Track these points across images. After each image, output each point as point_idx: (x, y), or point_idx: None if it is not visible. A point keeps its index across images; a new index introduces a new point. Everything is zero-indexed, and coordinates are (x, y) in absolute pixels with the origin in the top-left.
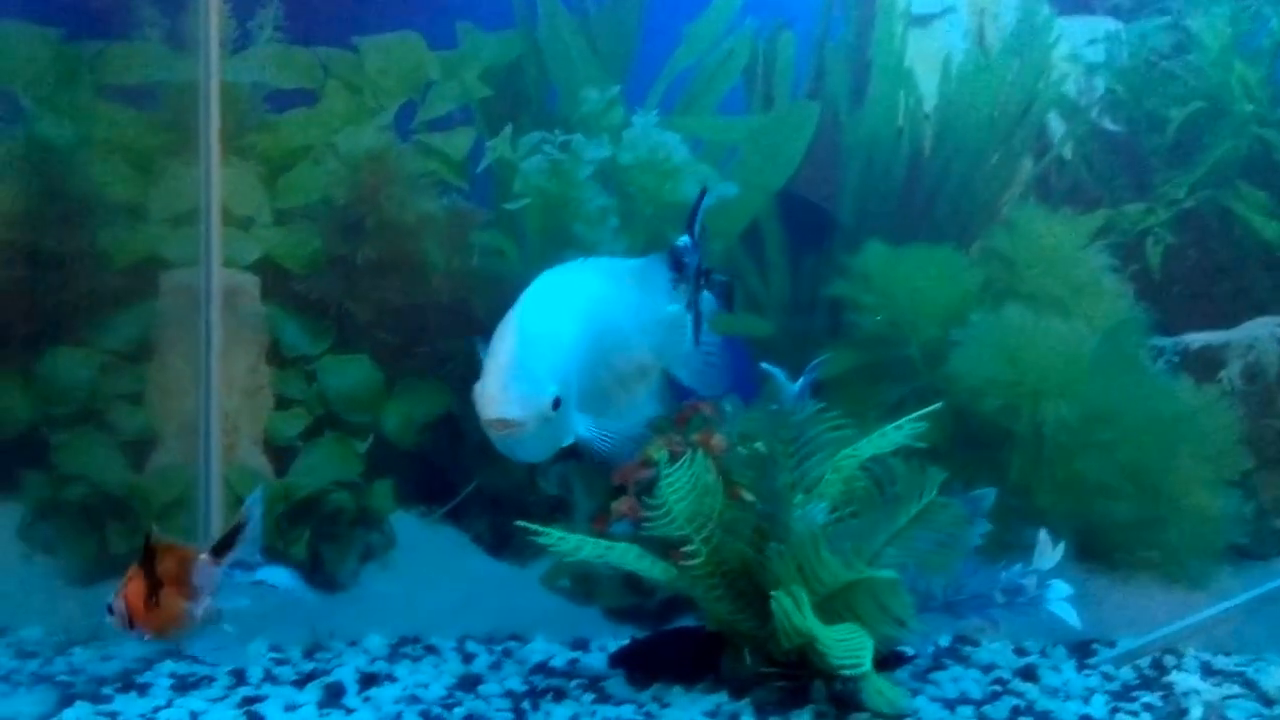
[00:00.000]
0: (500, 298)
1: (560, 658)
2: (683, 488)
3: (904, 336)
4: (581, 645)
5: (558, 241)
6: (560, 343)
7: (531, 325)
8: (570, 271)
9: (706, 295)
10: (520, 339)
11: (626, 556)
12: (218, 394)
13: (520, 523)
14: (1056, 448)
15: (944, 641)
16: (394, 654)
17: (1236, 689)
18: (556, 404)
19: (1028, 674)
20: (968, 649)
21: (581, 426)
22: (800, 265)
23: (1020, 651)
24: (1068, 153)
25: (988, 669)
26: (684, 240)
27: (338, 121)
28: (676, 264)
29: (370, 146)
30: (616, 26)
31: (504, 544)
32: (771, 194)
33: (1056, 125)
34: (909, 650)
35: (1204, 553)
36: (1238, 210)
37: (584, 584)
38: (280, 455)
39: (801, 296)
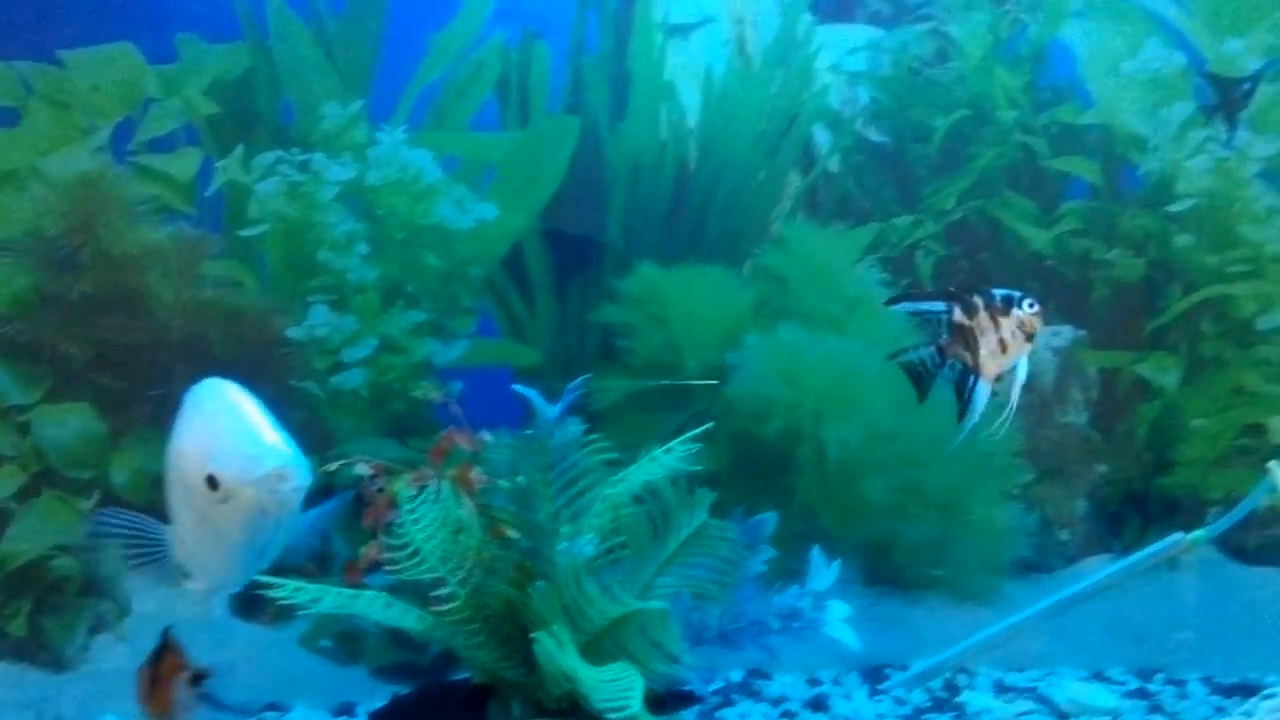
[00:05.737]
0: (239, 331)
1: None
2: (430, 524)
3: (680, 361)
4: (347, 710)
5: (302, 270)
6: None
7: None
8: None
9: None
10: (249, 401)
11: (373, 606)
12: None
13: (256, 576)
14: (840, 469)
15: (736, 676)
16: None
17: (1030, 705)
18: None
19: (818, 704)
20: (760, 683)
21: None
22: (567, 288)
23: (813, 682)
24: (834, 166)
25: (778, 702)
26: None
27: (44, 143)
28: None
29: (83, 170)
30: (356, 36)
31: (257, 603)
32: (533, 214)
33: (822, 137)
34: (696, 689)
35: (991, 568)
36: (1005, 220)
37: (348, 643)
38: None
39: (570, 321)
